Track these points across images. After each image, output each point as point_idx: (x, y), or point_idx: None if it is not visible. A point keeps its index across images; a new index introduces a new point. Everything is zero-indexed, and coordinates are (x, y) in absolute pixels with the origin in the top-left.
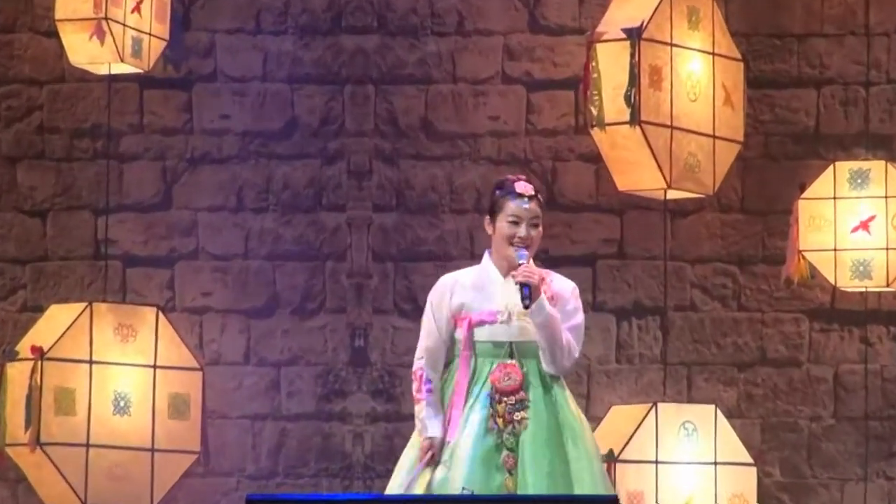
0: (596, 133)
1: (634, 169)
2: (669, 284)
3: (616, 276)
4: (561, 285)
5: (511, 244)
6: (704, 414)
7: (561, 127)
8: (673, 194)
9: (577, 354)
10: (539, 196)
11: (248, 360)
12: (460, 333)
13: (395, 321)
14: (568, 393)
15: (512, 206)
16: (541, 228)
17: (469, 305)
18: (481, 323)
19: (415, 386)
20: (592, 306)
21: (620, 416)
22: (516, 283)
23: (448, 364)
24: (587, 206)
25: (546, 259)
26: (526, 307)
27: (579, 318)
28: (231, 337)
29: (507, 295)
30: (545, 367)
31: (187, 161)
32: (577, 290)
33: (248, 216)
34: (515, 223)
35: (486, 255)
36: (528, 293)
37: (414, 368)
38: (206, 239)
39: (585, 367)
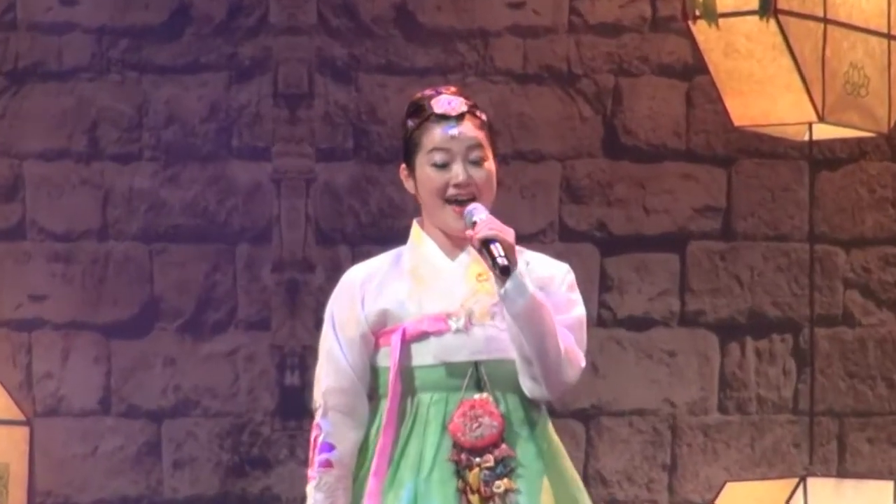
0: (699, 30)
1: (764, 90)
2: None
3: (720, 269)
4: (547, 269)
5: (446, 201)
6: (877, 495)
7: (629, 19)
8: (821, 132)
9: (583, 364)
10: (478, 112)
11: (109, 408)
12: (387, 357)
13: None
14: (556, 437)
15: (435, 135)
16: (490, 163)
17: (397, 311)
18: (423, 335)
19: (310, 453)
20: (681, 318)
21: (743, 499)
22: (476, 243)
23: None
24: (672, 153)
25: (607, 240)
26: (505, 272)
27: (579, 310)
28: (80, 369)
29: (461, 287)
30: (529, 388)
31: (7, 77)
32: (571, 274)
33: (107, 168)
34: (444, 164)
35: (415, 228)
36: (504, 254)
37: (314, 423)
38: (38, 206)
39: (668, 418)
